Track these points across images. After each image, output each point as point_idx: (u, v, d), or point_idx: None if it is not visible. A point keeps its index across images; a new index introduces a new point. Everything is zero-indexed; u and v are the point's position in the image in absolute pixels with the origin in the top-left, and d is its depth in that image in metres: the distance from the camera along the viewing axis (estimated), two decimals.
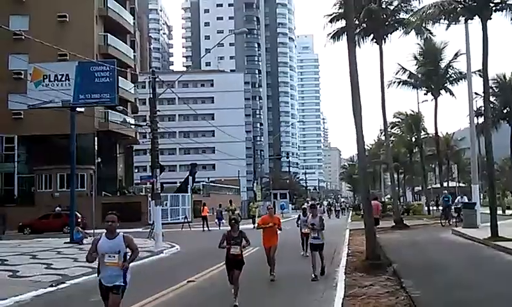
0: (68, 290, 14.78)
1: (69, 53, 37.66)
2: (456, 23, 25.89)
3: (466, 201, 31.37)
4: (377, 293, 11.92)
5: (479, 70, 30.14)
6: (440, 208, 40.23)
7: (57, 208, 41.39)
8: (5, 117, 49.72)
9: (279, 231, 15.06)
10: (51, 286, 14.93)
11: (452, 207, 33.40)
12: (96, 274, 8.51)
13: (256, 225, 15.21)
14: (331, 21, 36.06)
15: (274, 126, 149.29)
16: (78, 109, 34.02)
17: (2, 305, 12.44)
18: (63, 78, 35.35)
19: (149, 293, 12.84)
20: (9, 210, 43.58)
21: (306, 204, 25.42)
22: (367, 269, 15.29)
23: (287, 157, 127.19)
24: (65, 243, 27.86)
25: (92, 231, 31.28)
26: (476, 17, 24.08)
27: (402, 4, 35.52)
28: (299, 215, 19.47)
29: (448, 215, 33.38)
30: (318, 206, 30.39)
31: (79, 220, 33.42)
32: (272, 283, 14.30)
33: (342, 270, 15.70)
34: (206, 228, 38.92)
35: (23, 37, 41.30)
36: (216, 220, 40.95)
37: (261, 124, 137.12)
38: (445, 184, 52.68)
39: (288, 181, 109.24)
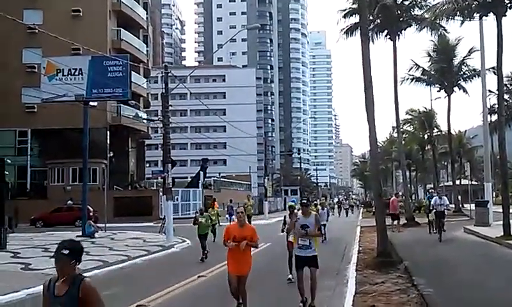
0: None
1: (82, 47, 37.83)
2: (470, 20, 25.66)
3: (447, 203, 25.18)
4: (389, 291, 11.87)
5: (493, 67, 29.93)
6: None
7: (69, 201, 41.63)
8: (18, 110, 50.10)
9: (254, 250, 10.30)
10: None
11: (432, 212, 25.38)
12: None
13: (224, 239, 9.81)
14: (344, 16, 35.88)
15: (285, 122, 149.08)
16: (91, 103, 34.15)
17: (15, 297, 12.53)
18: (76, 73, 35.61)
19: (160, 288, 12.88)
20: (21, 203, 43.87)
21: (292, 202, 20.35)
22: (378, 266, 15.22)
23: (298, 153, 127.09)
24: (77, 236, 27.91)
25: (104, 225, 31.48)
26: (491, 14, 23.86)
27: (417, 0, 35.26)
28: (285, 217, 14.33)
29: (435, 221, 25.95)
30: (321, 207, 26.44)
31: (91, 214, 33.57)
32: None
33: (353, 266, 15.66)
34: (217, 224, 39.01)
35: (37, 31, 41.51)
36: (227, 216, 41.00)
37: (272, 120, 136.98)
38: (457, 182, 52.30)
39: (299, 177, 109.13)
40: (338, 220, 45.48)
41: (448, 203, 25.80)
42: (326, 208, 27.82)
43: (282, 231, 14.49)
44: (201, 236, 19.30)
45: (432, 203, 24.99)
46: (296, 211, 12.65)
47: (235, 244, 9.35)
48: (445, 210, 24.83)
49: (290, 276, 13.22)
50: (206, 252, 18.71)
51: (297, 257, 10.34)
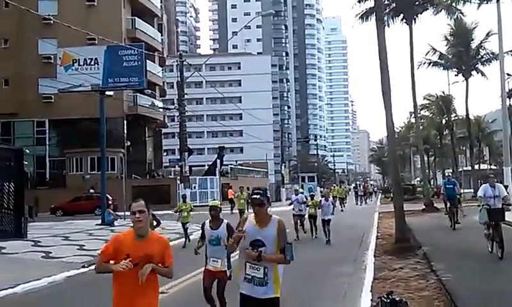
0: None
1: (97, 37, 38.04)
2: (487, 3, 25.31)
3: (505, 193, 14.63)
4: (407, 276, 11.84)
5: (511, 50, 29.49)
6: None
7: (91, 189, 41.98)
8: (36, 101, 50.57)
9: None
10: (83, 267, 15.18)
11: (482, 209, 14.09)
12: None
13: (99, 259, 5.52)
14: (359, 1, 35.48)
15: (301, 109, 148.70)
16: (107, 93, 34.35)
17: (36, 285, 12.69)
18: (92, 62, 35.81)
19: (179, 275, 12.93)
20: (41, 193, 44.43)
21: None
22: (397, 252, 15.18)
23: (315, 140, 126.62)
24: (97, 225, 28.27)
25: (123, 213, 31.75)
26: None
27: None
28: (203, 226, 8.89)
29: (454, 212, 21.51)
30: (324, 198, 20.60)
31: (110, 202, 33.86)
32: None
33: (371, 253, 15.64)
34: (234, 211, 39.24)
35: (52, 21, 41.76)
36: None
37: (288, 107, 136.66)
38: (476, 167, 51.86)
39: (316, 164, 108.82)
40: (355, 208, 45.12)
41: (506, 192, 14.88)
42: (330, 200, 20.91)
43: (196, 252, 9.28)
44: None
45: (480, 195, 14.41)
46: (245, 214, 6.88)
47: (125, 265, 4.94)
48: (504, 206, 14.16)
49: None
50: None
51: (242, 297, 5.65)
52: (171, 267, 5.32)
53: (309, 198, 21.21)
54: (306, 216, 20.78)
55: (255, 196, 5.55)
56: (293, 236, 19.60)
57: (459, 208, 22.92)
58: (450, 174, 28.97)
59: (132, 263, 4.99)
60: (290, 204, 21.55)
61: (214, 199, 11.40)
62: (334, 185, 52.42)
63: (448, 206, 21.96)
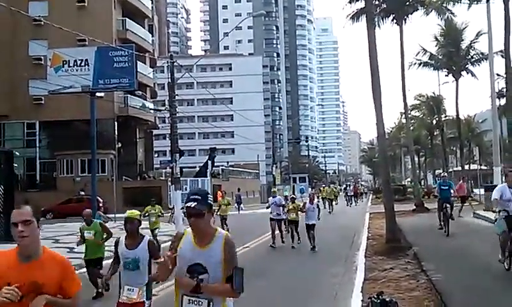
0: None
1: (88, 38, 37.90)
2: (477, 3, 25.45)
3: None
4: (398, 277, 11.87)
5: (501, 51, 29.62)
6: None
7: (81, 191, 41.81)
8: (26, 103, 50.30)
9: None
10: (74, 269, 15.07)
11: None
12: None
13: None
14: (350, 1, 35.56)
15: (293, 109, 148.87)
16: (97, 94, 34.27)
17: None
18: (83, 64, 35.83)
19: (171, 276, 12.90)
20: (31, 195, 44.14)
21: None
22: (387, 252, 15.23)
23: (306, 141, 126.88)
24: None
25: (113, 215, 31.64)
26: None
27: None
28: (116, 243, 7.41)
29: (448, 216, 19.10)
30: (309, 200, 18.56)
31: (101, 204, 33.75)
32: None
33: (361, 253, 15.68)
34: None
35: (42, 23, 41.57)
36: (236, 205, 41.11)
37: (280, 108, 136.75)
38: (466, 167, 52.09)
39: (307, 165, 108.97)
40: (346, 209, 45.02)
41: None
42: (315, 202, 18.88)
43: (106, 282, 7.57)
44: (88, 262, 11.95)
45: (495, 196, 11.46)
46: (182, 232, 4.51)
47: (6, 294, 3.43)
48: None
49: None
50: (100, 289, 11.37)
51: None
52: (75, 297, 3.78)
53: (289, 202, 19.08)
54: (287, 221, 19.22)
55: (189, 204, 3.92)
56: (269, 242, 18.76)
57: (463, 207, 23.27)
58: (445, 174, 25.22)
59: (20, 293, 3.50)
60: (267, 207, 20.51)
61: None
62: (323, 185, 52.17)
63: (442, 210, 19.36)
